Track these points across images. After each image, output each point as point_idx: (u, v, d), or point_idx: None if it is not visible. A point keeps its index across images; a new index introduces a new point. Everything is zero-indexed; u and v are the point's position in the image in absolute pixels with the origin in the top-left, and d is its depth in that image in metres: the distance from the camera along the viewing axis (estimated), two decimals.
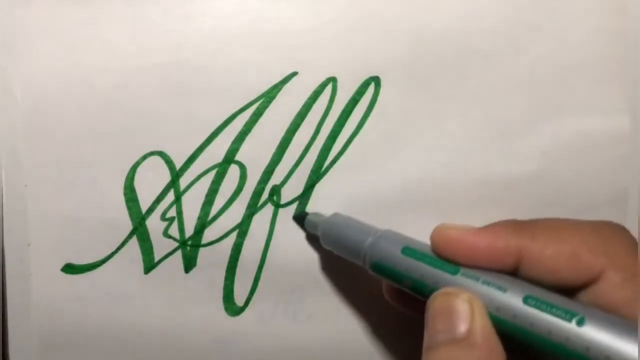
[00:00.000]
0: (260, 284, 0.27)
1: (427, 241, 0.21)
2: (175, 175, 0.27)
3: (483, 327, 0.18)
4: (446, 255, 0.20)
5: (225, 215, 0.27)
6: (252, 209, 0.27)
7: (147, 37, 0.26)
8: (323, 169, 0.27)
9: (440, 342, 0.18)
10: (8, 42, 0.26)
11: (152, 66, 0.26)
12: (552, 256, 0.19)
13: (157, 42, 0.26)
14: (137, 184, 0.27)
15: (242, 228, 0.27)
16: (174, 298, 0.27)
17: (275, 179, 0.27)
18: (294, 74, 0.27)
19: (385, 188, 0.28)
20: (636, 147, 0.28)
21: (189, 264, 0.27)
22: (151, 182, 0.27)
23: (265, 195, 0.27)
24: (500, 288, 0.19)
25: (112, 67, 0.26)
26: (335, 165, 0.27)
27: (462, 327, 0.18)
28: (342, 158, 0.27)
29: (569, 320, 0.17)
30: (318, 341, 0.28)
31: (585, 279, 0.19)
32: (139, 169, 0.27)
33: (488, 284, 0.19)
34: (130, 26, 0.26)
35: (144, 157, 0.27)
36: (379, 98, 0.27)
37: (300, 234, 0.27)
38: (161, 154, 0.27)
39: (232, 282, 0.27)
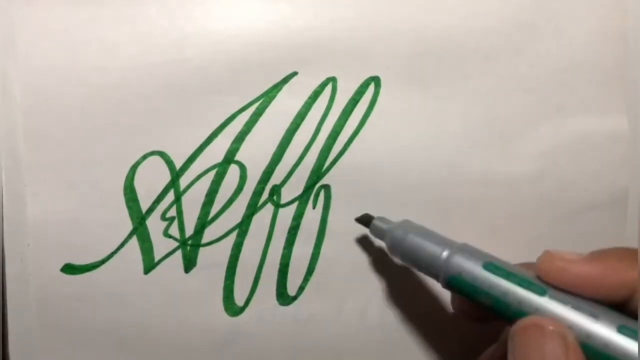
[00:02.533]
0: (260, 284, 0.27)
1: None
2: (175, 175, 0.27)
3: None
4: (555, 285, 0.19)
5: (225, 215, 0.27)
6: (252, 209, 0.27)
7: (147, 37, 0.26)
8: (323, 169, 0.27)
9: None
10: (8, 42, 0.26)
11: (152, 66, 0.26)
12: None
13: (157, 42, 0.26)
14: (137, 184, 0.27)
15: (242, 228, 0.27)
16: (174, 298, 0.27)
17: (275, 179, 0.27)
18: (294, 74, 0.27)
19: (385, 188, 0.28)
20: (636, 147, 0.29)
21: (189, 263, 0.27)
22: (151, 182, 0.27)
23: (265, 195, 0.27)
24: (592, 315, 0.18)
25: (112, 67, 0.26)
26: (336, 165, 0.27)
27: None
28: (342, 158, 0.27)
29: None
30: (318, 341, 0.28)
31: None
32: (139, 169, 0.27)
33: (578, 309, 0.18)
34: (130, 26, 0.26)
35: (144, 157, 0.27)
36: (379, 98, 0.27)
37: (300, 234, 0.27)
38: (161, 154, 0.27)
39: (232, 282, 0.27)
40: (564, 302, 0.18)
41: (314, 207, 0.27)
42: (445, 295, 0.28)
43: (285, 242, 0.27)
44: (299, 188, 0.27)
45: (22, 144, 0.26)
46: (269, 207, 0.27)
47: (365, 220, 0.26)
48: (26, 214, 0.26)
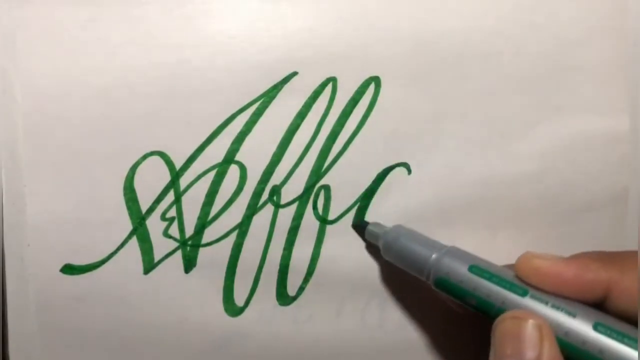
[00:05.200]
0: (260, 284, 0.27)
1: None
2: (175, 175, 0.27)
3: (551, 355, 0.18)
4: (534, 285, 0.20)
5: (225, 215, 0.27)
6: (252, 209, 0.27)
7: (147, 37, 0.26)
8: (323, 169, 0.27)
9: None
10: (8, 42, 0.26)
11: (152, 66, 0.26)
12: None
13: (157, 42, 0.26)
14: (137, 184, 0.27)
15: (242, 228, 0.27)
16: (174, 298, 0.27)
17: (275, 179, 0.27)
18: (294, 74, 0.27)
19: (385, 188, 0.28)
20: (636, 147, 0.29)
21: (189, 264, 0.27)
22: (151, 182, 0.27)
23: (265, 195, 0.27)
24: (569, 313, 0.19)
25: (112, 67, 0.26)
26: (336, 165, 0.27)
27: (531, 354, 0.18)
28: (342, 158, 0.27)
29: None
30: (318, 341, 0.28)
31: None
32: (139, 169, 0.27)
33: (557, 308, 0.19)
34: (130, 26, 0.26)
35: (144, 157, 0.27)
36: (379, 98, 0.27)
37: (300, 234, 0.27)
38: (161, 154, 0.27)
39: (232, 282, 0.27)
40: (544, 302, 0.19)
41: (314, 208, 0.27)
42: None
43: (285, 243, 0.27)
44: (299, 188, 0.27)
45: (22, 144, 0.26)
46: (269, 208, 0.27)
47: (360, 226, 0.27)
48: (26, 214, 0.26)
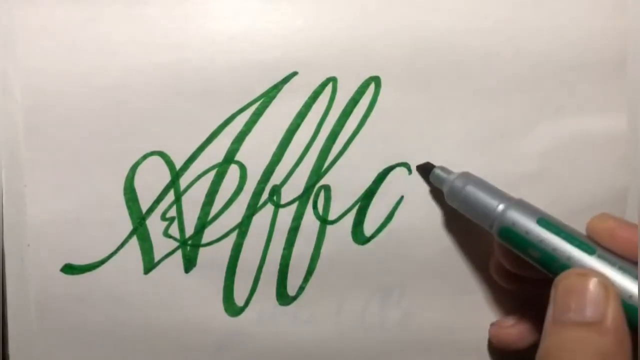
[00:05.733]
0: (260, 284, 0.27)
1: None
2: (175, 175, 0.27)
3: (616, 316, 0.18)
4: (604, 245, 0.20)
5: (225, 215, 0.27)
6: (252, 209, 0.27)
7: (147, 37, 0.26)
8: (323, 169, 0.27)
9: (570, 320, 0.18)
10: (8, 42, 0.26)
11: (152, 66, 0.26)
12: None
13: (157, 42, 0.26)
14: (137, 184, 0.27)
15: (242, 228, 0.27)
16: (174, 298, 0.27)
17: (275, 179, 0.27)
18: (294, 74, 0.27)
19: (385, 188, 0.28)
20: (636, 147, 0.29)
21: (189, 264, 0.27)
22: (151, 182, 0.27)
23: (265, 195, 0.27)
24: (636, 277, 0.18)
25: (112, 67, 0.26)
26: (336, 165, 0.27)
27: (595, 311, 0.18)
28: (342, 158, 0.27)
29: None
30: (318, 341, 0.28)
31: None
32: (139, 169, 0.27)
33: (624, 270, 0.19)
34: (130, 26, 0.26)
35: (144, 157, 0.27)
36: (379, 98, 0.27)
37: (300, 234, 0.27)
38: (161, 154, 0.27)
39: (232, 282, 0.27)
40: (611, 263, 0.19)
41: (314, 208, 0.27)
42: (444, 294, 0.28)
43: (285, 243, 0.27)
44: (299, 188, 0.27)
45: (22, 144, 0.26)
46: (269, 208, 0.27)
47: (426, 168, 0.27)
48: (26, 214, 0.26)
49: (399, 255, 0.28)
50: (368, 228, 0.28)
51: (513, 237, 0.22)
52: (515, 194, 0.28)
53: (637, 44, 0.28)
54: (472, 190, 0.24)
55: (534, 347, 0.24)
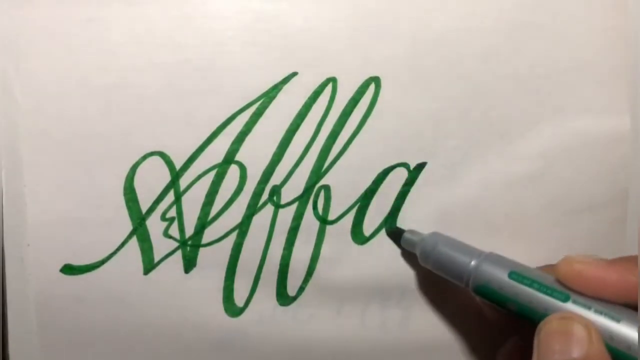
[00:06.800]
0: (260, 284, 0.27)
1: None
2: (175, 175, 0.27)
3: (600, 353, 0.18)
4: (575, 289, 0.20)
5: (225, 215, 0.27)
6: (252, 209, 0.27)
7: (147, 37, 0.26)
8: (323, 169, 0.27)
9: None
10: (8, 42, 0.26)
11: (152, 66, 0.26)
12: None
13: (157, 42, 0.26)
14: (137, 184, 0.27)
15: (242, 228, 0.27)
16: (174, 298, 0.27)
17: (275, 179, 0.27)
18: (294, 74, 0.27)
19: (385, 189, 0.28)
20: (636, 147, 0.28)
21: (189, 264, 0.27)
22: (151, 182, 0.27)
23: (265, 195, 0.27)
24: (613, 318, 0.19)
25: (112, 67, 0.26)
26: (335, 166, 0.27)
27: (579, 351, 0.18)
28: (342, 158, 0.27)
29: None
30: (318, 341, 0.28)
31: None
32: (139, 169, 0.27)
33: (601, 312, 0.19)
34: (130, 26, 0.26)
35: (144, 157, 0.27)
36: (379, 98, 0.27)
37: (300, 234, 0.27)
38: (161, 154, 0.27)
39: (232, 282, 0.27)
40: (586, 307, 0.19)
41: (314, 208, 0.27)
42: (444, 294, 0.28)
43: (285, 243, 0.27)
44: (299, 188, 0.27)
45: (22, 144, 0.26)
46: (269, 208, 0.27)
47: (395, 233, 0.27)
48: (26, 214, 0.26)
49: (399, 255, 0.28)
50: (368, 228, 0.28)
51: (489, 293, 0.22)
52: (515, 194, 0.28)
53: (637, 44, 0.28)
54: (442, 250, 0.24)
55: None
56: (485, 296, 0.23)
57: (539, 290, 0.21)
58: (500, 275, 0.22)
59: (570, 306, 0.20)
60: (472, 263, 0.23)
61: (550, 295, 0.20)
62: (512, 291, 0.21)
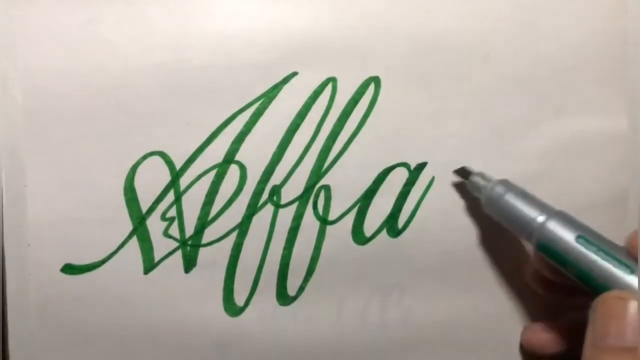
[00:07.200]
0: (260, 284, 0.27)
1: None
2: (175, 175, 0.27)
3: None
4: None
5: (225, 215, 0.27)
6: (252, 209, 0.27)
7: (147, 37, 0.26)
8: (323, 169, 0.27)
9: (610, 346, 0.18)
10: (8, 42, 0.26)
11: (152, 66, 0.26)
12: None
13: (157, 42, 0.26)
14: (137, 184, 0.27)
15: (242, 228, 0.27)
16: (174, 298, 0.27)
17: (275, 179, 0.27)
18: (294, 74, 0.27)
19: (385, 189, 0.28)
20: (635, 148, 0.29)
21: (189, 264, 0.27)
22: (151, 182, 0.27)
23: (265, 195, 0.27)
24: None
25: (112, 67, 0.26)
26: (335, 166, 0.27)
27: (636, 336, 0.18)
28: (342, 158, 0.27)
29: None
30: (318, 341, 0.28)
31: None
32: (139, 169, 0.27)
33: None
34: (130, 26, 0.26)
35: (144, 157, 0.27)
36: (379, 98, 0.27)
37: (300, 234, 0.27)
38: (161, 154, 0.27)
39: (232, 282, 0.27)
40: None
41: (314, 208, 0.27)
42: (444, 294, 0.28)
43: (286, 243, 0.27)
44: (299, 188, 0.27)
45: (22, 144, 0.26)
46: (269, 208, 0.27)
47: (463, 173, 0.27)
48: (26, 214, 0.26)
49: (399, 255, 0.28)
50: (368, 228, 0.28)
51: (551, 253, 0.22)
52: None
53: (637, 44, 0.28)
54: (510, 200, 0.24)
55: (563, 352, 0.25)
56: (548, 255, 0.22)
57: (604, 258, 0.20)
58: (566, 236, 0.21)
59: (632, 279, 0.19)
60: (540, 218, 0.22)
61: (617, 265, 0.20)
62: (576, 255, 0.21)
